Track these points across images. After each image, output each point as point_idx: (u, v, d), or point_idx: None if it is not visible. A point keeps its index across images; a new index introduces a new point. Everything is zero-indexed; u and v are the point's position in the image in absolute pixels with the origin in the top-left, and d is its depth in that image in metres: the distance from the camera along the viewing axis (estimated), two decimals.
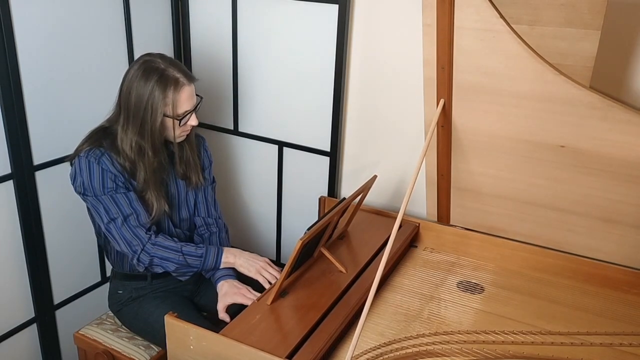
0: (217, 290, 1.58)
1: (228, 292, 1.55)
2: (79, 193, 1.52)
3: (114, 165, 1.50)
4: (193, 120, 1.55)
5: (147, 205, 1.55)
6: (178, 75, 1.48)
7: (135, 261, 1.53)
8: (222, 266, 1.59)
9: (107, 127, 1.55)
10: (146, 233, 1.53)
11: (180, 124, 1.53)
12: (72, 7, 1.71)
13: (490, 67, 1.39)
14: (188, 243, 1.59)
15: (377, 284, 1.24)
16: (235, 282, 1.58)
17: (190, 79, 1.52)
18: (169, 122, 1.51)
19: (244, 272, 1.59)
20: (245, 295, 1.53)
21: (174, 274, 1.58)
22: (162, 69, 1.47)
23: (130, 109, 1.48)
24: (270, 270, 1.58)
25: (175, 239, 1.59)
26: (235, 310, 1.52)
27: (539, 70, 1.34)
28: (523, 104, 1.41)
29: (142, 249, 1.52)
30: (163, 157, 1.58)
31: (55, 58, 1.70)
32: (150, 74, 1.46)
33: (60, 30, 1.69)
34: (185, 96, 1.50)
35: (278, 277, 1.56)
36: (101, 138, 1.53)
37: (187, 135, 1.61)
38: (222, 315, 1.53)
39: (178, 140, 1.57)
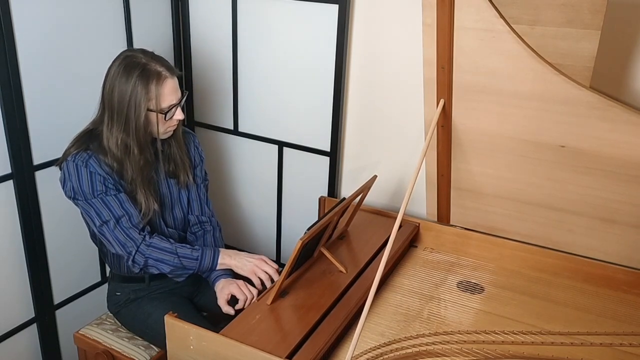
0: (215, 289, 1.58)
1: (224, 286, 1.56)
2: (70, 197, 1.51)
3: (101, 167, 1.48)
4: (179, 115, 1.53)
5: (137, 204, 1.54)
6: (160, 68, 1.46)
7: (130, 262, 1.52)
8: (218, 267, 1.59)
9: (93, 130, 1.54)
10: (139, 234, 1.52)
11: (166, 119, 1.50)
12: (72, 7, 1.71)
13: (490, 67, 1.39)
14: (184, 245, 1.58)
15: (377, 284, 1.24)
16: (231, 279, 1.59)
17: (173, 72, 1.50)
18: (153, 117, 1.48)
19: (240, 273, 1.58)
20: (239, 286, 1.54)
21: (169, 275, 1.57)
22: (144, 63, 1.45)
23: (113, 106, 1.47)
24: (266, 268, 1.56)
25: (170, 239, 1.58)
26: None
27: (539, 70, 1.33)
28: (523, 104, 1.41)
29: (137, 250, 1.51)
30: (149, 154, 1.55)
31: (55, 58, 1.70)
32: (131, 69, 1.44)
33: (60, 30, 1.69)
34: (168, 89, 1.47)
35: (274, 274, 1.56)
36: (87, 141, 1.51)
37: (174, 132, 1.59)
38: (226, 308, 1.53)
39: (163, 136, 1.55)
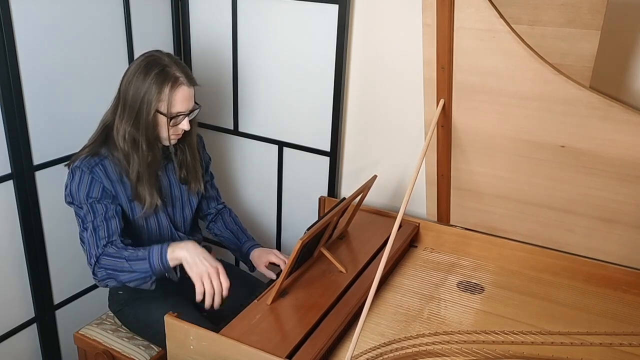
0: (250, 259, 1.72)
1: (262, 254, 1.69)
2: (68, 203, 1.50)
3: (107, 174, 1.48)
4: (184, 125, 1.51)
5: (140, 200, 1.54)
6: (179, 74, 1.47)
7: (95, 279, 1.45)
8: (170, 262, 1.41)
9: (107, 125, 1.54)
10: (105, 245, 1.43)
11: (170, 125, 1.50)
12: (72, 6, 1.71)
13: (490, 67, 1.39)
14: (136, 247, 1.45)
15: (377, 284, 1.24)
16: (265, 248, 1.72)
17: (191, 81, 1.50)
18: (161, 119, 1.48)
19: (187, 270, 1.40)
20: (277, 255, 1.67)
21: (131, 285, 1.44)
22: (164, 65, 1.46)
23: (127, 100, 1.48)
24: (214, 280, 1.38)
25: (129, 248, 1.46)
26: (236, 308, 1.53)
27: (539, 70, 1.33)
28: (523, 104, 1.41)
29: (96, 262, 1.44)
30: (158, 152, 1.56)
31: (55, 57, 1.70)
32: (151, 67, 1.46)
33: (60, 30, 1.69)
34: (180, 96, 1.47)
35: (225, 291, 1.40)
36: (102, 143, 1.52)
37: (184, 139, 1.59)
38: (268, 273, 1.66)
39: (165, 142, 1.55)
